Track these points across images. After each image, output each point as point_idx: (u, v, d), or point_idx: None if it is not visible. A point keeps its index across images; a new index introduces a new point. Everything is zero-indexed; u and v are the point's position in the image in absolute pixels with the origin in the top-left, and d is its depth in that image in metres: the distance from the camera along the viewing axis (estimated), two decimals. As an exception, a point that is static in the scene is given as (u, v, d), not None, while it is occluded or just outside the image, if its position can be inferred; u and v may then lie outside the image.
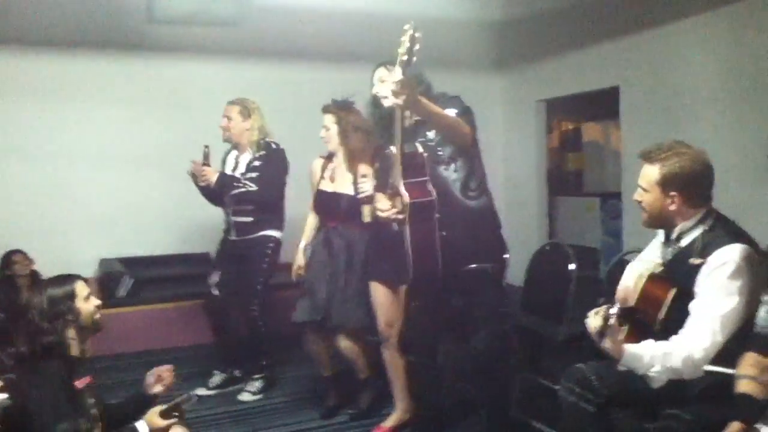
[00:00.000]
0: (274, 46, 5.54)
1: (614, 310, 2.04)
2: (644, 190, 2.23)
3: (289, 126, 4.30)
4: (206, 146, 3.87)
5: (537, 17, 5.84)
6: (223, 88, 4.06)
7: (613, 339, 2.04)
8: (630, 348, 2.07)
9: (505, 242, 2.91)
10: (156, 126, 5.30)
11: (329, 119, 3.51)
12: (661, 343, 2.10)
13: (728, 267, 2.07)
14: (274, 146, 3.89)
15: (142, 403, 2.38)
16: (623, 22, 4.99)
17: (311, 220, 3.70)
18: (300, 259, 3.66)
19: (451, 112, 2.67)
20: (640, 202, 2.26)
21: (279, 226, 3.93)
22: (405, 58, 2.34)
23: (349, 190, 3.45)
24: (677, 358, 2.05)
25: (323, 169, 3.59)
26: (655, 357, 2.06)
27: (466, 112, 2.72)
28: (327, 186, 3.55)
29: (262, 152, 3.86)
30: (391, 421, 3.29)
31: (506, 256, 2.89)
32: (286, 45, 5.56)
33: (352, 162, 3.45)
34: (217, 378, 4.04)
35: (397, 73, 2.35)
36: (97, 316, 2.29)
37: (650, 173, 2.20)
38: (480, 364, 2.90)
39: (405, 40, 2.35)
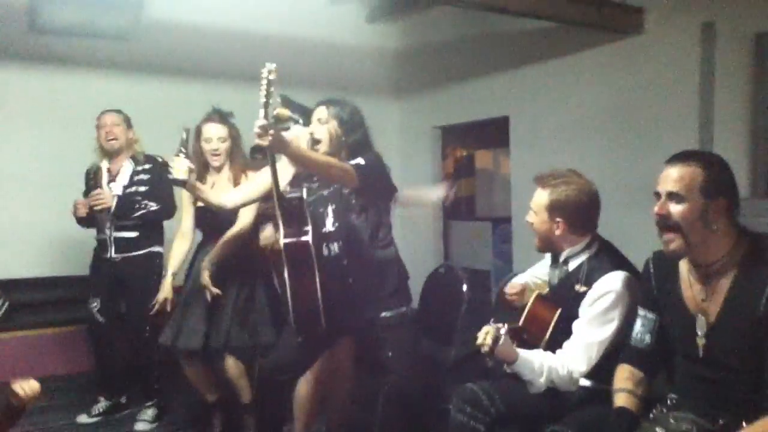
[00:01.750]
0: (161, 63, 5.34)
1: (504, 330, 2.14)
2: (534, 212, 2.37)
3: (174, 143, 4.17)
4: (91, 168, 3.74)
5: (433, 48, 6.02)
6: (106, 103, 3.88)
7: (506, 345, 2.13)
8: (523, 353, 2.18)
9: (410, 293, 2.99)
10: (33, 141, 4.95)
11: (222, 131, 3.30)
12: (549, 355, 2.23)
13: (609, 296, 2.21)
14: (160, 159, 3.77)
15: None
16: (513, 56, 5.23)
17: (181, 246, 3.40)
18: (168, 291, 3.33)
19: (357, 161, 2.67)
20: (531, 224, 2.39)
21: (162, 241, 3.80)
22: (264, 101, 2.33)
23: None
24: (557, 374, 2.20)
25: None
26: (542, 367, 2.19)
27: (368, 167, 2.67)
28: None
29: (148, 165, 3.75)
30: None
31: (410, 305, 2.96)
32: (175, 62, 5.38)
33: (239, 175, 3.32)
34: (101, 405, 3.84)
35: (260, 117, 2.32)
36: None
37: (540, 198, 2.34)
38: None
39: (263, 83, 2.33)
